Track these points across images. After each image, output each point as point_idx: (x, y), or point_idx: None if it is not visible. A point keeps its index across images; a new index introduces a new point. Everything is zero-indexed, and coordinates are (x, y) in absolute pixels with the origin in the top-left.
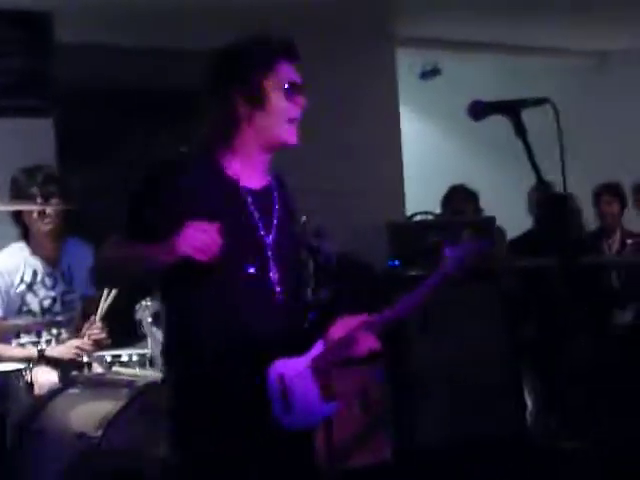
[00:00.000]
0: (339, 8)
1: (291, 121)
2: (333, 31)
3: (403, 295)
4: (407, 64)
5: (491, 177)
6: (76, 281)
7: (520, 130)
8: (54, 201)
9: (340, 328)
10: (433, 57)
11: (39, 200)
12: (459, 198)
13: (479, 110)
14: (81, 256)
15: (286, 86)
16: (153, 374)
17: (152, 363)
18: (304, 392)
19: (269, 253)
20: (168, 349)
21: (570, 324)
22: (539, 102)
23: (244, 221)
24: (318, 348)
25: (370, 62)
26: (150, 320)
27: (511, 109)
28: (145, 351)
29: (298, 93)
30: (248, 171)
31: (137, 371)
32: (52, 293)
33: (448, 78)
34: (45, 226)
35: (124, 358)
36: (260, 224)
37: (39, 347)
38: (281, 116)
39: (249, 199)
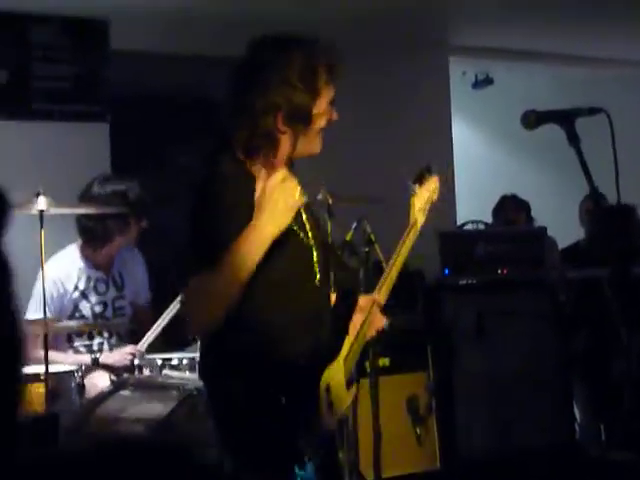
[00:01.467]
0: (393, 16)
1: (319, 133)
2: (387, 39)
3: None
4: (460, 73)
5: (543, 187)
6: (127, 287)
7: (574, 139)
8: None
9: (360, 308)
10: (485, 66)
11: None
12: (510, 208)
13: (533, 119)
14: (131, 262)
15: (327, 109)
16: None
17: None
18: (341, 393)
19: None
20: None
21: (621, 335)
22: (593, 111)
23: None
24: (345, 346)
25: (423, 70)
26: None
27: (565, 118)
28: (195, 355)
29: (333, 110)
30: (272, 174)
31: (187, 374)
32: (103, 298)
33: (500, 88)
34: (124, 240)
35: (174, 361)
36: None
37: (93, 355)
38: (317, 133)
39: None
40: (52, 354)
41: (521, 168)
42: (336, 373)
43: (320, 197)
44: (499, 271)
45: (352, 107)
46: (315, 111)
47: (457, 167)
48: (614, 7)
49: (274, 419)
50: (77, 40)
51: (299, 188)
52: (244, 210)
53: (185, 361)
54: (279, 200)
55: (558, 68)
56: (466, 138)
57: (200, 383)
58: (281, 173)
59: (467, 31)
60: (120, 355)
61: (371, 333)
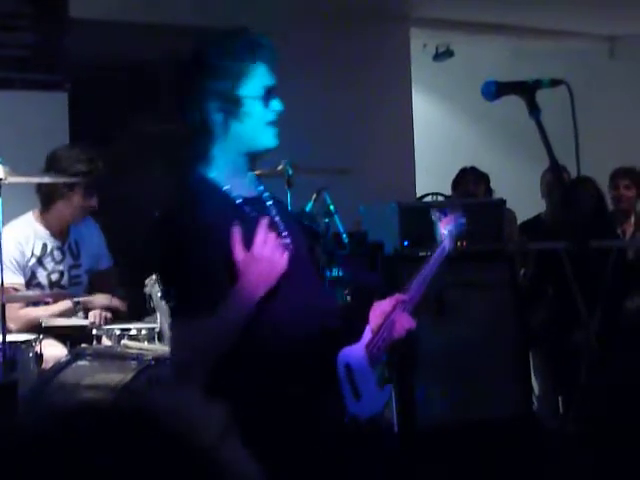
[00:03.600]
0: None
1: (268, 125)
2: (349, 10)
3: (414, 274)
4: (421, 45)
5: (502, 158)
6: (82, 256)
7: (534, 110)
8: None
9: (376, 313)
10: (446, 38)
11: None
12: (470, 180)
13: (493, 90)
14: (87, 232)
15: (261, 93)
16: (161, 348)
17: (160, 337)
18: (367, 379)
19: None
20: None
21: (580, 308)
22: (554, 83)
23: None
24: (367, 334)
25: (384, 42)
26: (160, 295)
27: (526, 89)
28: (154, 325)
29: (273, 97)
30: (236, 179)
31: (145, 345)
32: (60, 267)
33: (461, 60)
34: (65, 207)
35: (133, 332)
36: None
37: (44, 323)
38: (257, 122)
39: (247, 209)
40: (29, 310)
41: (481, 141)
42: (357, 354)
43: (280, 167)
44: (458, 243)
45: (313, 77)
46: (242, 92)
47: (417, 139)
48: None
49: (292, 407)
50: (36, 8)
51: (285, 254)
52: (226, 242)
53: (144, 331)
54: (268, 270)
55: (519, 41)
56: (426, 110)
57: (159, 353)
58: (270, 238)
59: (428, 3)
60: (63, 305)
61: (400, 333)
